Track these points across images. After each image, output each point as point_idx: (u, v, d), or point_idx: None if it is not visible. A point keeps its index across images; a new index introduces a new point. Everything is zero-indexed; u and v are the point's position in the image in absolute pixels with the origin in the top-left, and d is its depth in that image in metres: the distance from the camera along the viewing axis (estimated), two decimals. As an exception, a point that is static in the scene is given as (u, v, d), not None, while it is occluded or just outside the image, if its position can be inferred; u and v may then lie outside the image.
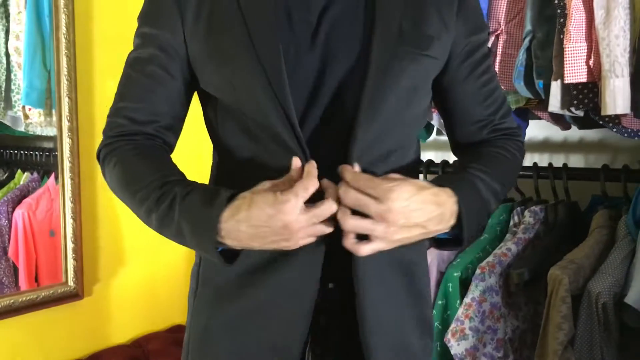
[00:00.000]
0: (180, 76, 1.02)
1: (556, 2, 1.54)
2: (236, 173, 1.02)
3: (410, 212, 0.85)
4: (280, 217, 0.84)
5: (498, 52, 1.71)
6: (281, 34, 0.95)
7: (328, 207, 0.86)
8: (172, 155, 1.06)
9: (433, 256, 1.66)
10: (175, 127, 1.06)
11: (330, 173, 0.89)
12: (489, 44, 1.71)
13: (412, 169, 1.04)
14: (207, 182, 1.09)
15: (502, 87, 1.69)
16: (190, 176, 0.99)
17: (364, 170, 0.92)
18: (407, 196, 0.85)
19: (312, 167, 0.88)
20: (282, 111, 0.93)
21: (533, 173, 1.76)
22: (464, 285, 1.59)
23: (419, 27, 0.97)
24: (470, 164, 1.00)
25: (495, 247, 1.66)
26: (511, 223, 1.73)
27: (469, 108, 1.07)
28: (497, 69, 1.70)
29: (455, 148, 1.13)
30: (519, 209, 1.73)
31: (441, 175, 0.95)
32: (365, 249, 0.87)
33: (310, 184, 0.85)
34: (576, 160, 1.98)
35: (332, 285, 0.99)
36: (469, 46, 1.05)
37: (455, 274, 1.60)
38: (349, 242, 0.87)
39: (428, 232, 0.89)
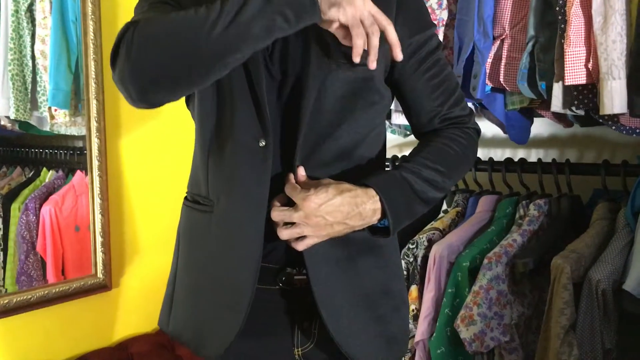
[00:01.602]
0: None
1: (557, 9, 1.56)
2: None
3: (326, 214, 1.00)
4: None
5: (503, 56, 1.72)
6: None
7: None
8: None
9: (443, 247, 1.68)
10: None
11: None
12: (495, 47, 1.74)
13: (375, 162, 1.15)
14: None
15: (507, 88, 1.71)
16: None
17: (315, 171, 1.07)
18: (320, 202, 1.00)
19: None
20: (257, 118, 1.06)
21: (537, 168, 1.78)
22: (473, 275, 1.62)
23: None
24: (412, 157, 1.11)
25: (501, 239, 1.69)
26: (517, 216, 1.75)
27: (418, 101, 1.16)
28: (502, 72, 1.71)
29: (415, 136, 1.23)
30: (524, 202, 1.75)
31: (377, 172, 1.07)
32: (301, 245, 1.04)
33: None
34: (578, 156, 1.98)
35: (289, 270, 1.11)
36: (413, 45, 1.12)
37: (464, 264, 1.64)
38: (292, 243, 1.04)
39: (352, 227, 1.03)
